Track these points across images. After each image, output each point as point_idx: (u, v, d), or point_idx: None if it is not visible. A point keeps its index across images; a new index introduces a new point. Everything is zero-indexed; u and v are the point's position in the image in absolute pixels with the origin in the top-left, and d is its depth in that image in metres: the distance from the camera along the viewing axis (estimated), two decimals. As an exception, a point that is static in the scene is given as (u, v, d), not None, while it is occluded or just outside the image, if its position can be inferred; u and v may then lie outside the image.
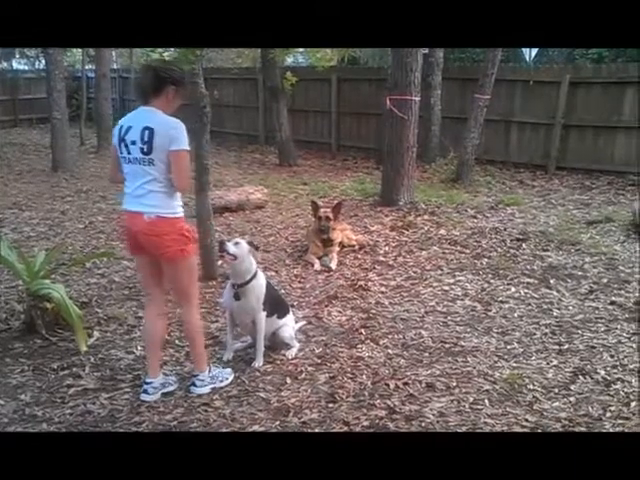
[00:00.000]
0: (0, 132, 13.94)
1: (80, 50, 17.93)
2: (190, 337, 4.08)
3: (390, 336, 4.78)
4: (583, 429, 3.51)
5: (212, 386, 4.01)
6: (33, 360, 4.40)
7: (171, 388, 4.03)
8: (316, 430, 3.53)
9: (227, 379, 4.10)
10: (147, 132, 3.55)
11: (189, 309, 3.92)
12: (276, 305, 4.51)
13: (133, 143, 3.59)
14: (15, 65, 22.58)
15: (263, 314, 4.33)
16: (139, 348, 4.59)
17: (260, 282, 4.36)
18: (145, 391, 3.93)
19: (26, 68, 21.98)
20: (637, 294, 5.45)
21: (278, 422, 3.61)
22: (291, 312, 4.73)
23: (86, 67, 17.02)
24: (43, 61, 15.73)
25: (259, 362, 4.33)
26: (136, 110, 3.74)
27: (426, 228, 7.66)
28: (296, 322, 4.83)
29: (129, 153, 3.62)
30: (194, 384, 4.01)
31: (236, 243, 4.26)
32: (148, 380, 3.96)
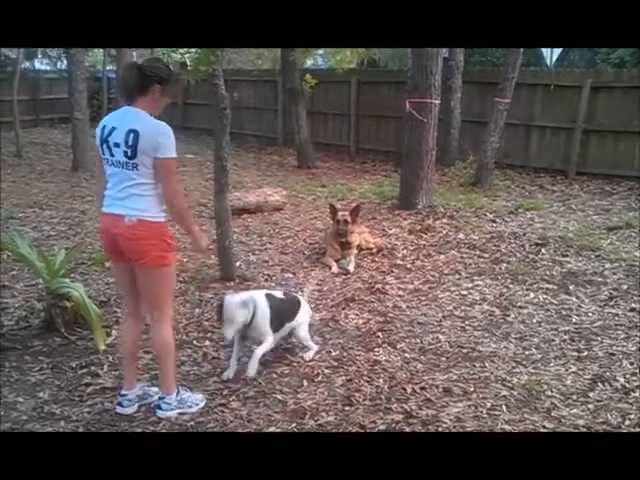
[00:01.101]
0: (22, 132, 14.05)
1: (102, 50, 18.06)
2: (158, 354, 3.81)
3: (407, 340, 4.77)
4: (602, 437, 3.48)
5: (179, 411, 3.72)
6: (52, 358, 4.44)
7: (151, 399, 3.85)
8: (329, 430, 3.53)
9: (197, 405, 3.79)
10: (132, 135, 3.34)
11: (160, 323, 3.66)
12: (283, 313, 4.36)
13: (117, 145, 3.39)
14: (37, 65, 22.85)
15: (271, 336, 4.21)
16: (157, 348, 4.61)
17: (264, 310, 4.17)
18: (119, 403, 3.78)
19: (48, 68, 22.21)
20: (658, 301, 5.40)
21: (294, 424, 3.61)
22: (302, 306, 4.59)
23: (107, 68, 17.14)
24: (65, 61, 15.86)
25: (252, 372, 4.09)
26: (120, 110, 3.54)
27: (444, 232, 7.63)
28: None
29: (112, 155, 3.42)
30: (159, 407, 3.74)
31: (244, 303, 4.07)
32: (123, 392, 3.81)
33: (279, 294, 4.51)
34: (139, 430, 3.56)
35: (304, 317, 4.56)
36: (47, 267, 4.90)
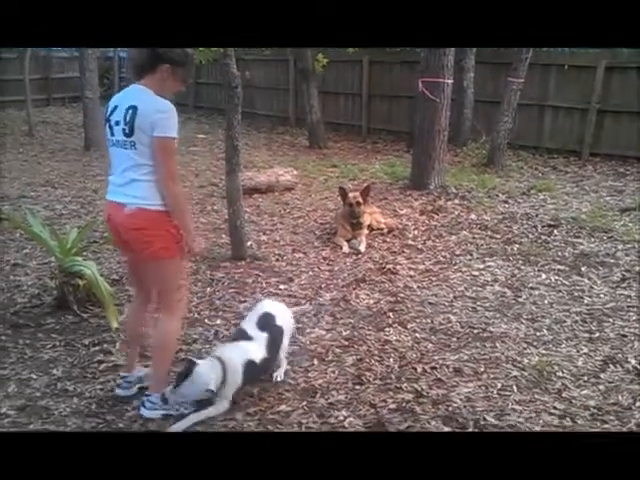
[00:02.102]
0: (33, 111, 14.06)
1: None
2: (157, 348, 3.60)
3: (418, 320, 4.77)
4: (612, 417, 3.48)
5: (164, 412, 3.49)
6: (65, 336, 4.47)
7: (147, 383, 3.68)
8: (343, 412, 3.54)
9: (186, 409, 3.51)
10: (130, 111, 3.18)
11: (167, 317, 3.48)
12: (264, 364, 3.73)
13: (117, 124, 3.23)
14: (49, 44, 22.76)
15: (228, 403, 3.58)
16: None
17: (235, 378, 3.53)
18: (119, 385, 3.73)
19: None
20: (671, 283, 5.37)
21: (305, 402, 3.63)
22: (285, 333, 3.95)
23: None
24: (76, 40, 15.80)
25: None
26: (127, 88, 3.38)
27: (456, 212, 7.61)
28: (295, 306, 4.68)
29: (112, 135, 3.27)
30: (144, 404, 3.52)
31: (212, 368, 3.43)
32: (123, 374, 3.77)
33: (260, 351, 3.68)
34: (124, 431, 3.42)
35: (286, 342, 3.99)
36: (59, 245, 4.92)
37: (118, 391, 3.71)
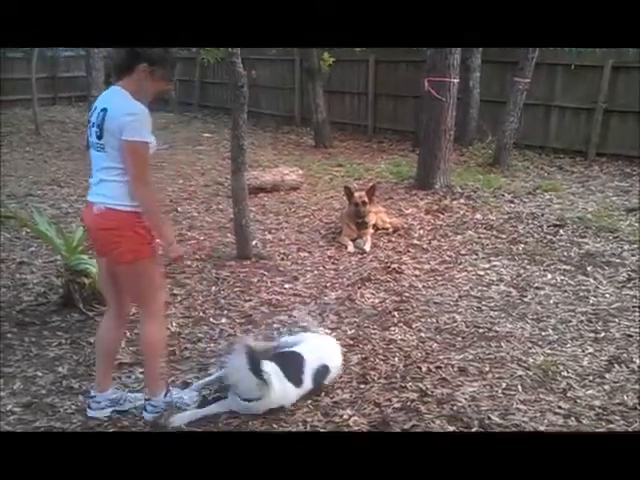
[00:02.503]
0: (40, 109, 14.10)
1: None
2: (143, 353, 3.57)
3: (423, 319, 4.77)
4: (617, 417, 3.47)
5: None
6: (70, 334, 4.48)
7: (127, 406, 3.56)
8: (348, 411, 3.55)
9: (188, 405, 3.53)
10: (102, 114, 3.11)
11: (147, 321, 3.40)
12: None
13: (92, 126, 3.16)
14: (55, 43, 22.79)
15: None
16: (174, 324, 4.65)
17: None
18: (88, 406, 3.54)
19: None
20: (677, 283, 5.35)
21: (310, 401, 3.63)
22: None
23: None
24: (83, 39, 15.83)
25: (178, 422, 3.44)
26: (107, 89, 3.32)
27: (462, 212, 7.60)
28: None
29: (89, 136, 3.22)
30: (145, 409, 3.49)
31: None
32: (92, 394, 3.55)
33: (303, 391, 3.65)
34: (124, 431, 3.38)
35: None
36: (65, 244, 4.94)
37: (88, 411, 3.52)
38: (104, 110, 3.11)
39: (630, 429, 3.38)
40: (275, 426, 3.40)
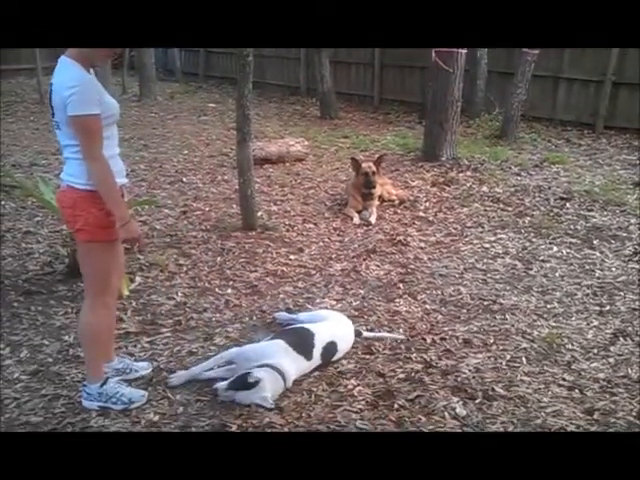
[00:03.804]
0: (44, 79, 13.94)
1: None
2: (81, 340, 3.52)
3: (428, 291, 4.77)
4: (621, 390, 3.49)
5: (101, 404, 3.31)
6: (76, 303, 4.49)
7: (133, 375, 3.58)
8: (352, 381, 3.57)
9: (125, 404, 3.33)
10: (50, 89, 2.96)
11: (87, 306, 3.28)
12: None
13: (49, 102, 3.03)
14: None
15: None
16: (179, 294, 4.67)
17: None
18: (83, 396, 3.40)
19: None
20: (683, 257, 5.33)
21: (317, 372, 3.65)
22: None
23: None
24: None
25: (175, 382, 3.57)
26: None
27: (468, 185, 7.56)
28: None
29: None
30: (82, 394, 3.39)
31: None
32: (86, 384, 3.39)
33: (313, 365, 3.68)
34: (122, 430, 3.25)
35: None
36: (71, 213, 4.92)
37: (84, 403, 3.38)
38: (50, 85, 2.97)
39: (634, 402, 3.39)
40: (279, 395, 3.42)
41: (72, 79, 2.89)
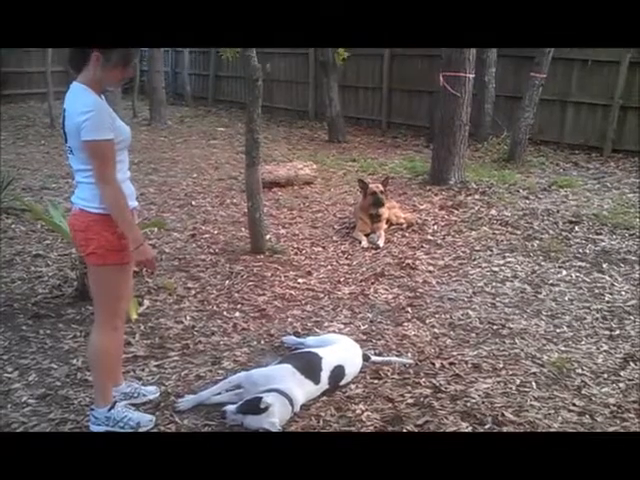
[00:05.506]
0: (55, 103, 14.10)
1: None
2: (89, 364, 3.54)
3: (437, 315, 4.76)
4: (632, 415, 3.45)
5: (107, 429, 3.30)
6: (85, 326, 4.50)
7: (141, 400, 3.59)
8: (361, 406, 3.54)
9: (133, 429, 3.31)
10: (63, 115, 3.00)
11: (95, 330, 3.30)
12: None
13: (62, 128, 3.08)
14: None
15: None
16: (188, 318, 4.67)
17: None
18: (90, 420, 3.38)
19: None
20: (694, 281, 5.30)
21: (325, 397, 3.63)
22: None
23: (140, 40, 17.12)
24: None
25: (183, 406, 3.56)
26: None
27: (476, 208, 7.56)
28: None
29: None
30: (90, 418, 3.38)
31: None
32: (94, 408, 3.37)
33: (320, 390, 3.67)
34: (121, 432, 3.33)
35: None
36: (80, 237, 4.95)
37: (92, 427, 3.36)
38: (64, 111, 3.01)
39: (645, 427, 3.36)
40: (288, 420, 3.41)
41: (85, 104, 2.92)
